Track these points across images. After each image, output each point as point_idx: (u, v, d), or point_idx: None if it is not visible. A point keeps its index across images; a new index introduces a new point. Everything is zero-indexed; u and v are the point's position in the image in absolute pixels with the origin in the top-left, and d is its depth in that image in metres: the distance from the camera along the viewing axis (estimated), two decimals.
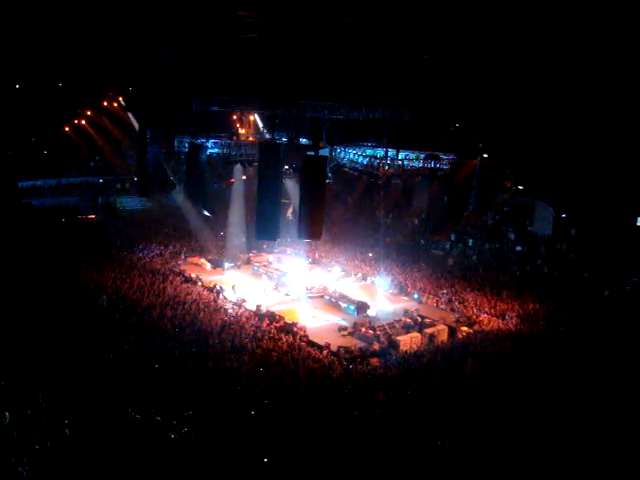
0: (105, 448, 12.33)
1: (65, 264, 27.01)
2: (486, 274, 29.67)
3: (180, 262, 31.30)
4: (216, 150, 37.37)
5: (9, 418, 12.73)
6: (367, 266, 31.55)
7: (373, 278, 29.64)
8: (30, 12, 17.57)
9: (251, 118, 41.01)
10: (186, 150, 36.19)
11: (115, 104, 42.02)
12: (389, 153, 35.55)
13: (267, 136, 39.32)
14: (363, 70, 22.99)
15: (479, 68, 21.06)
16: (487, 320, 23.84)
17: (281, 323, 22.27)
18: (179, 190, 42.39)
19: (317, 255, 33.74)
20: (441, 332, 22.32)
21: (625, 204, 26.70)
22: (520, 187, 33.45)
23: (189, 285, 26.77)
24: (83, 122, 43.50)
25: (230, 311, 23.18)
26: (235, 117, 40.50)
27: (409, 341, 21.21)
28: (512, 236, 32.96)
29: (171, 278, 27.25)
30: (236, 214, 38.62)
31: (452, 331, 22.62)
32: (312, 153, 28.07)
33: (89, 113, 42.98)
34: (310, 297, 26.71)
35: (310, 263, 32.58)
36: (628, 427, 14.37)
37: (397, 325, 23.05)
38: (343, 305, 25.41)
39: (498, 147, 30.48)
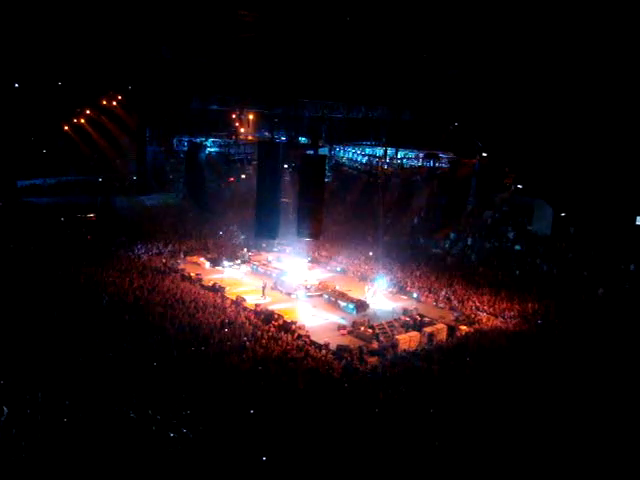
0: (104, 446, 12.36)
1: (65, 263, 27.03)
2: (485, 273, 29.68)
3: (179, 261, 31.31)
4: (215, 149, 37.44)
5: (7, 412, 12.77)
6: (366, 265, 31.56)
7: (372, 277, 29.65)
8: (30, 11, 17.57)
9: (250, 117, 41.00)
10: (185, 149, 36.29)
11: (114, 103, 42.01)
12: (388, 152, 35.64)
13: (266, 135, 39.33)
14: (362, 69, 22.99)
15: (478, 68, 21.07)
16: (486, 319, 23.87)
17: (280, 322, 22.28)
18: (178, 189, 42.48)
19: (316, 254, 33.75)
20: (440, 331, 22.32)
21: (625, 203, 26.71)
22: (519, 186, 33.47)
23: (188, 284, 26.78)
24: (82, 121, 43.52)
25: (229, 310, 23.18)
26: (234, 116, 40.49)
27: (408, 340, 21.22)
28: (511, 235, 32.96)
29: (170, 277, 27.27)
30: (235, 213, 38.70)
31: (451, 330, 22.63)
32: (311, 152, 28.14)
33: (88, 112, 42.98)
34: (309, 296, 26.73)
35: (309, 262, 32.59)
36: (625, 425, 14.41)
37: (396, 324, 23.06)
38: (342, 304, 25.43)
39: (497, 146, 30.50)
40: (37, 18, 18.36)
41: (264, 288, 26.48)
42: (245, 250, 33.38)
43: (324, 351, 19.77)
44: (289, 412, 14.58)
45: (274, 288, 27.66)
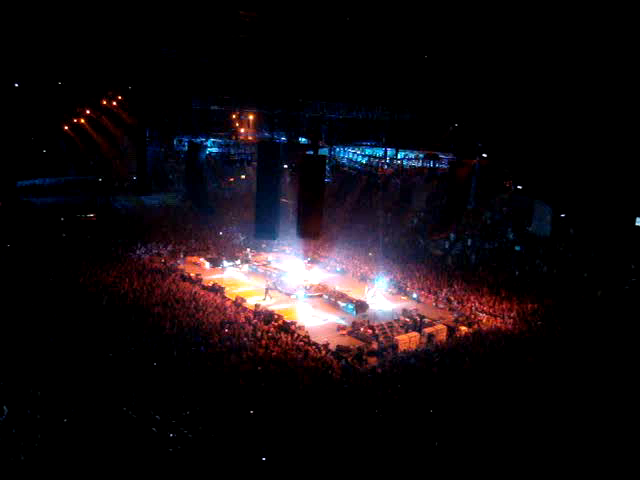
0: (104, 446, 12.36)
1: (64, 263, 27.03)
2: (485, 274, 29.70)
3: (179, 261, 31.30)
4: (215, 149, 37.40)
5: (7, 412, 12.77)
6: (366, 265, 31.57)
7: (372, 278, 29.66)
8: (30, 11, 17.59)
9: (250, 117, 41.00)
10: (185, 149, 36.25)
11: (114, 103, 42.05)
12: (388, 152, 35.56)
13: (266, 135, 39.31)
14: (362, 70, 23.02)
15: (479, 68, 21.10)
16: (486, 320, 23.86)
17: (280, 322, 22.28)
18: (178, 189, 42.49)
19: (316, 254, 33.75)
20: (440, 332, 22.32)
21: (624, 204, 26.73)
22: (519, 187, 33.49)
23: (188, 284, 26.77)
24: (82, 121, 43.58)
25: (229, 310, 23.17)
26: (234, 116, 40.46)
27: (408, 340, 21.21)
28: (511, 236, 32.99)
29: (170, 277, 27.26)
30: (235, 213, 38.73)
31: (451, 331, 22.63)
32: (311, 152, 28.14)
33: (88, 112, 43.04)
34: (309, 296, 26.72)
35: (309, 262, 32.59)
36: (625, 425, 14.43)
37: (396, 324, 23.05)
38: (342, 304, 25.43)
39: (497, 147, 30.51)
40: (37, 18, 18.39)
41: (267, 290, 26.47)
42: (248, 250, 33.42)
43: (324, 352, 19.77)
44: (289, 413, 14.58)
45: (274, 288, 27.66)
